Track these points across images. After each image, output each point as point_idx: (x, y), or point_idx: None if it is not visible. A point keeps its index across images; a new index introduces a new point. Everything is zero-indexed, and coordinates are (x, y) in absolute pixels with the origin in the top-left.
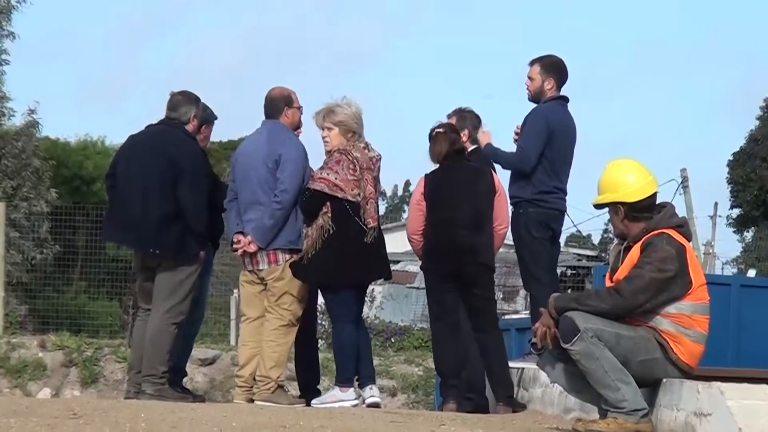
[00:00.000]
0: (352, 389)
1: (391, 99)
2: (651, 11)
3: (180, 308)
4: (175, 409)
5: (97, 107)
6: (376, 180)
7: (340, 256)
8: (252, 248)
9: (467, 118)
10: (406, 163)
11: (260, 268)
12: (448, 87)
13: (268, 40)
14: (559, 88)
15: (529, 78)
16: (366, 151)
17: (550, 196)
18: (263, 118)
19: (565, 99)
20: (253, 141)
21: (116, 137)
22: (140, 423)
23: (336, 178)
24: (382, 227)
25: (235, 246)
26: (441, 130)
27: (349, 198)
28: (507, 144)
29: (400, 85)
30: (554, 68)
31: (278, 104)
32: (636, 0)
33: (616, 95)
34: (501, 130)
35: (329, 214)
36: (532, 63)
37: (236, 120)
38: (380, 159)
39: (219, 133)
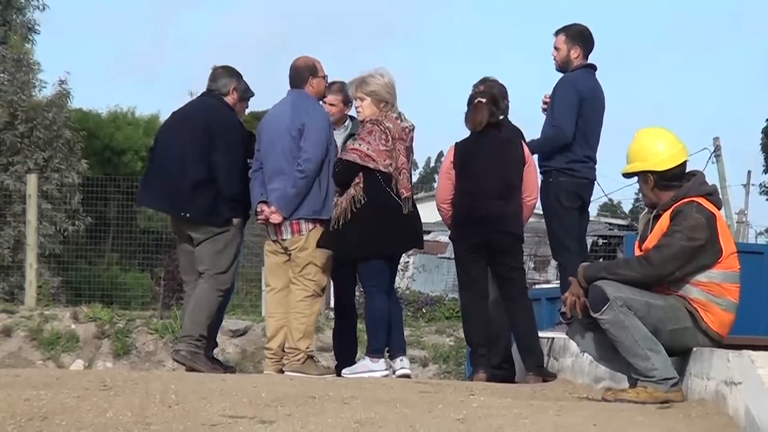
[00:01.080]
0: (382, 360)
1: (423, 71)
2: None
3: (224, 278)
4: (205, 380)
5: (130, 78)
6: (409, 150)
7: (371, 227)
8: (276, 219)
9: (494, 87)
10: (439, 134)
11: (284, 237)
12: (481, 60)
13: (302, 11)
14: (585, 56)
15: (555, 48)
16: (399, 121)
17: (581, 165)
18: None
19: (593, 67)
20: (278, 110)
21: (147, 109)
22: (170, 394)
23: (368, 149)
24: (415, 197)
25: (258, 216)
26: (483, 99)
27: (381, 168)
28: (536, 112)
29: (434, 57)
30: (579, 37)
31: (303, 74)
32: None
33: (649, 65)
34: (531, 100)
35: (361, 185)
36: (557, 33)
37: (269, 92)
38: (413, 129)
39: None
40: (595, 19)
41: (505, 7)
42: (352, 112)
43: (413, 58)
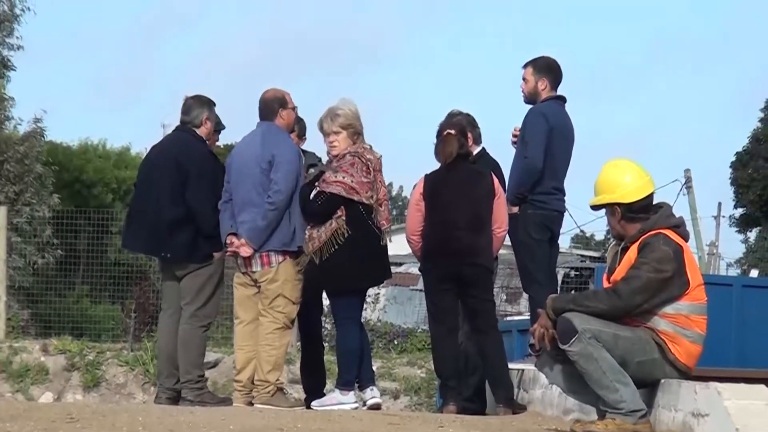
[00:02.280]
0: (352, 392)
1: (405, 97)
2: (654, 13)
3: (205, 311)
4: (173, 412)
5: (102, 110)
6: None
7: (354, 260)
8: (246, 251)
9: (462, 119)
10: (403, 168)
11: (253, 270)
12: (460, 88)
13: (282, 38)
14: (553, 87)
15: (523, 80)
16: (369, 153)
17: (550, 197)
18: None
19: (563, 99)
20: (248, 142)
21: (118, 141)
22: (137, 426)
23: (352, 181)
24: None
25: (227, 248)
26: (452, 131)
27: (364, 201)
28: (505, 145)
29: (416, 83)
30: (547, 68)
31: (272, 106)
32: (636, 2)
33: (621, 96)
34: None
35: (344, 218)
36: (525, 66)
37: (249, 121)
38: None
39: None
40: (572, 48)
41: (483, 34)
42: (305, 146)
43: (394, 84)
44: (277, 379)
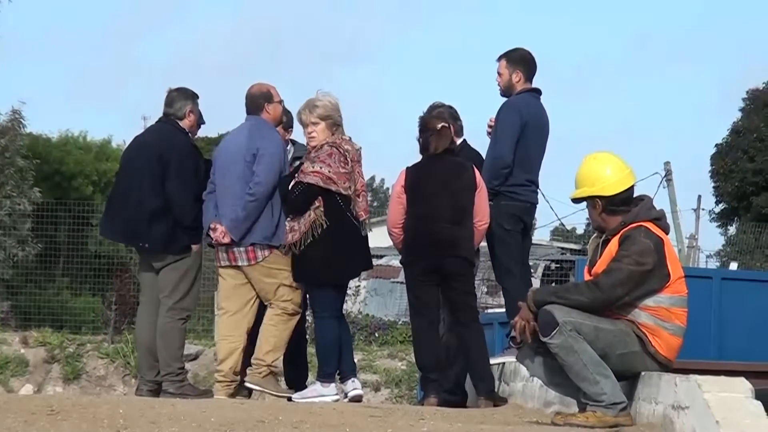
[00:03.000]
0: (333, 384)
1: (383, 93)
2: (636, 10)
3: (183, 304)
4: (154, 404)
5: (84, 103)
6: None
7: (332, 252)
8: (225, 240)
9: (444, 112)
10: (385, 160)
11: (238, 264)
12: (439, 82)
13: (266, 35)
14: (528, 79)
15: (498, 73)
16: (347, 144)
17: (523, 188)
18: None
19: (538, 91)
20: (234, 136)
21: (99, 133)
22: (119, 419)
23: (329, 171)
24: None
25: (210, 234)
26: (445, 124)
27: (342, 191)
28: (481, 136)
29: (393, 80)
30: (520, 61)
31: (258, 100)
32: None
33: (603, 91)
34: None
35: (321, 209)
36: (499, 59)
37: (229, 116)
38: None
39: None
40: (557, 44)
41: (463, 29)
42: (293, 136)
43: (374, 80)
44: (273, 362)
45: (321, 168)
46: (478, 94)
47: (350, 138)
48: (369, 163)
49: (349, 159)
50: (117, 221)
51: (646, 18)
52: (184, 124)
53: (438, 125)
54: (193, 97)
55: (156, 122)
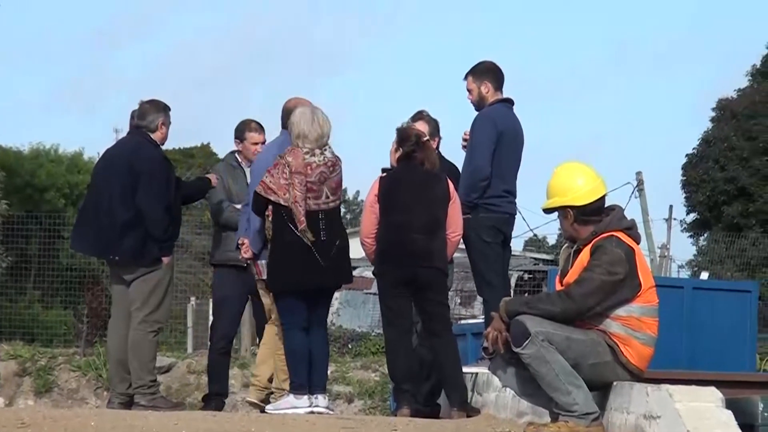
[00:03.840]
0: (306, 396)
1: (362, 103)
2: (610, 24)
3: (155, 316)
4: (126, 417)
5: (60, 116)
6: (317, 183)
7: (277, 262)
8: (248, 254)
9: (430, 123)
10: (359, 172)
11: (263, 277)
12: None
13: (246, 45)
14: (497, 89)
15: (468, 90)
16: (307, 155)
17: (500, 200)
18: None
19: (510, 101)
20: (266, 149)
21: (71, 146)
22: (90, 431)
23: (270, 182)
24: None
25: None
26: (427, 138)
27: (282, 202)
28: (457, 149)
29: (369, 91)
30: (486, 72)
31: (288, 116)
32: (588, 6)
33: (577, 102)
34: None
35: (270, 219)
36: (465, 77)
37: (206, 127)
38: (331, 163)
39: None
40: (532, 55)
41: (439, 41)
42: None
43: (347, 91)
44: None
45: (266, 178)
46: (451, 107)
47: (318, 150)
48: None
49: (288, 170)
50: (88, 234)
51: (623, 30)
52: (156, 136)
53: (422, 138)
54: (165, 109)
55: (127, 134)
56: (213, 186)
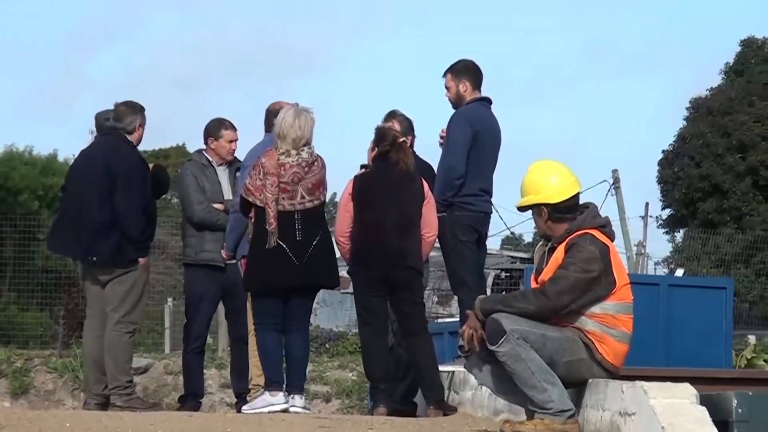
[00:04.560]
0: (281, 393)
1: (341, 105)
2: (586, 25)
3: (131, 317)
4: (101, 417)
5: (37, 119)
6: (290, 184)
7: (251, 261)
8: (223, 254)
9: (403, 122)
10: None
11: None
12: (397, 93)
13: (221, 46)
14: (475, 88)
15: (446, 88)
16: (282, 156)
17: (476, 198)
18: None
19: (488, 100)
20: (251, 152)
21: (45, 149)
22: None
23: (249, 183)
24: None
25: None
26: (403, 139)
27: (258, 203)
28: (433, 148)
29: (351, 91)
30: (464, 71)
31: (271, 119)
32: (570, 15)
33: (555, 102)
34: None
35: (252, 219)
36: (444, 74)
37: (185, 129)
38: (306, 164)
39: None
40: (510, 55)
41: (416, 41)
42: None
43: (331, 92)
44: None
45: (246, 180)
46: (428, 107)
47: (294, 151)
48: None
49: (263, 171)
50: (65, 236)
51: (599, 31)
52: (133, 137)
53: (399, 139)
54: (141, 111)
55: (102, 136)
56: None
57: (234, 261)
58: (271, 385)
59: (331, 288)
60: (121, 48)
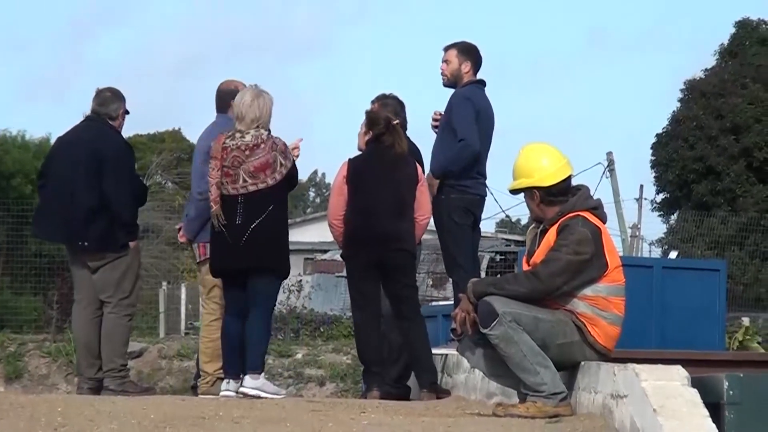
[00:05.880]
0: (231, 380)
1: (337, 89)
2: (583, 10)
3: (129, 301)
4: (94, 402)
5: (33, 103)
6: (231, 168)
7: (211, 246)
8: (182, 239)
9: (390, 105)
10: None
11: (197, 260)
12: (394, 78)
13: (215, 33)
14: (475, 72)
15: (445, 62)
16: (228, 140)
17: (473, 181)
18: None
19: (484, 83)
20: (201, 135)
21: (39, 132)
22: (57, 417)
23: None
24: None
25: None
26: (397, 121)
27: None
28: (427, 130)
29: (347, 75)
30: (470, 52)
31: (226, 98)
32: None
33: (553, 86)
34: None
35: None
36: (447, 48)
37: (184, 113)
38: (247, 147)
39: (158, 124)
40: (508, 39)
41: (417, 23)
42: None
43: (327, 76)
44: (215, 370)
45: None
46: (423, 89)
47: (239, 133)
48: (316, 159)
49: (210, 156)
50: (52, 221)
51: (596, 15)
52: (116, 124)
53: (393, 121)
54: (124, 98)
55: (84, 121)
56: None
57: (195, 244)
58: (224, 373)
59: (278, 275)
60: (115, 31)
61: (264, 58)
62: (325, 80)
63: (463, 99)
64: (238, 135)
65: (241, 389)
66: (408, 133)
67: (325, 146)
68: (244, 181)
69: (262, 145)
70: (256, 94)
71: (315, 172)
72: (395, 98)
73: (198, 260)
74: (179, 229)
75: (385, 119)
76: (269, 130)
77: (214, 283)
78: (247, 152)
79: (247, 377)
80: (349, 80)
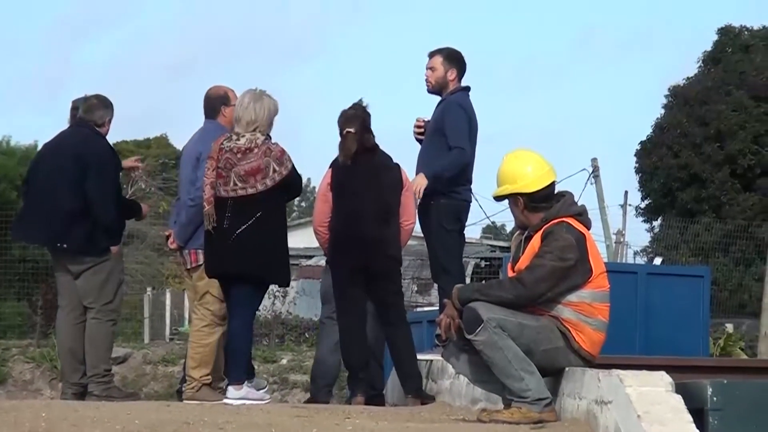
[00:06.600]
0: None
1: (331, 92)
2: (569, 16)
3: (112, 306)
4: (78, 407)
5: (21, 108)
6: (224, 170)
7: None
8: (172, 245)
9: (363, 112)
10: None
11: (186, 267)
12: (388, 82)
13: (209, 36)
14: (460, 79)
15: (430, 69)
16: (225, 141)
17: (461, 187)
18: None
19: (469, 89)
20: (190, 140)
21: (28, 138)
22: (41, 422)
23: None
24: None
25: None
26: (352, 129)
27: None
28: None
29: (342, 78)
30: (455, 59)
31: (215, 104)
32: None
33: (538, 92)
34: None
35: None
36: (432, 54)
37: (175, 117)
38: (239, 150)
39: (144, 130)
40: (493, 44)
41: (405, 27)
42: None
43: (321, 79)
44: (202, 376)
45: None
46: (417, 93)
47: (235, 135)
48: (302, 164)
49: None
50: (33, 224)
51: (582, 21)
52: (102, 131)
53: (344, 131)
54: (111, 106)
55: (70, 126)
56: (143, 216)
57: (186, 251)
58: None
59: (263, 282)
60: (103, 37)
61: (251, 63)
62: (312, 86)
63: (457, 107)
64: (234, 137)
65: (225, 401)
66: (406, 136)
67: (311, 152)
68: (234, 184)
69: (256, 150)
70: (256, 97)
71: (308, 180)
72: (354, 107)
73: (188, 266)
74: (168, 236)
75: (339, 126)
76: (268, 136)
77: (206, 289)
78: (239, 155)
79: (230, 388)
80: (335, 86)
